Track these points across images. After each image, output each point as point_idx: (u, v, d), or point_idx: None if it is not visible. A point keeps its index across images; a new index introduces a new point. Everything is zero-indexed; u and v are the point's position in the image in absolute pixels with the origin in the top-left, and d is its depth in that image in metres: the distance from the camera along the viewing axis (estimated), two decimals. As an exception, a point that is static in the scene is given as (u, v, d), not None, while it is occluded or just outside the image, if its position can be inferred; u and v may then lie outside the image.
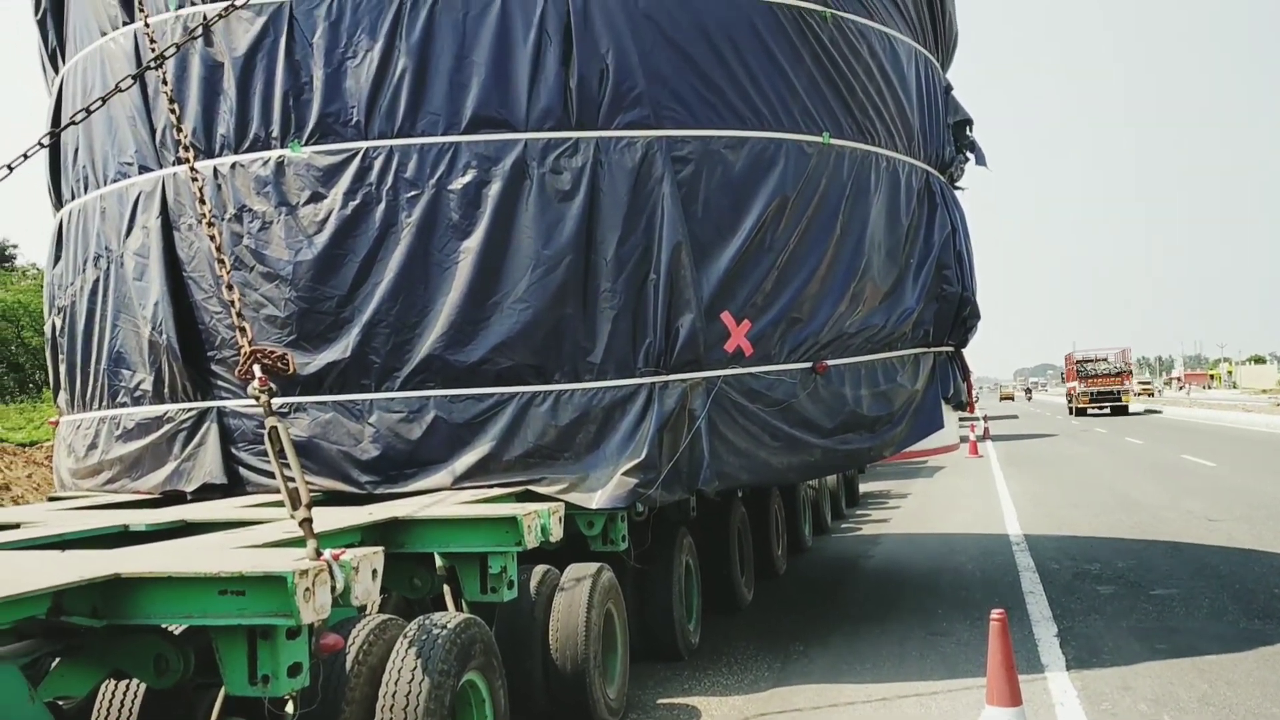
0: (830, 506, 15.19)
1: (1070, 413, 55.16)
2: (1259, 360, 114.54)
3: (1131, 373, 56.98)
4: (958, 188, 9.18)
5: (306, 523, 3.66)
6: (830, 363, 7.15)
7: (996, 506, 16.24)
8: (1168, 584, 9.55)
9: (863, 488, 19.29)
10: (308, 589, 3.38)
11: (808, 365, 7.05)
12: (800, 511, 12.71)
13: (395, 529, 5.13)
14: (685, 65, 6.76)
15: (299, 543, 3.81)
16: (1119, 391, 52.70)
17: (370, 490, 6.39)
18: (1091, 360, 54.32)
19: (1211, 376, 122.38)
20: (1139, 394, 64.54)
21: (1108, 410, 52.43)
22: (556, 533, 5.46)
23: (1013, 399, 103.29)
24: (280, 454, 3.84)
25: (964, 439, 26.19)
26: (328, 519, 4.78)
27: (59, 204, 8.06)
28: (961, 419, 11.08)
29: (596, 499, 6.26)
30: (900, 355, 7.82)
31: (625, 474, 6.29)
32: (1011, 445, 32.26)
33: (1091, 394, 53.13)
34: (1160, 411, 55.97)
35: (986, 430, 35.82)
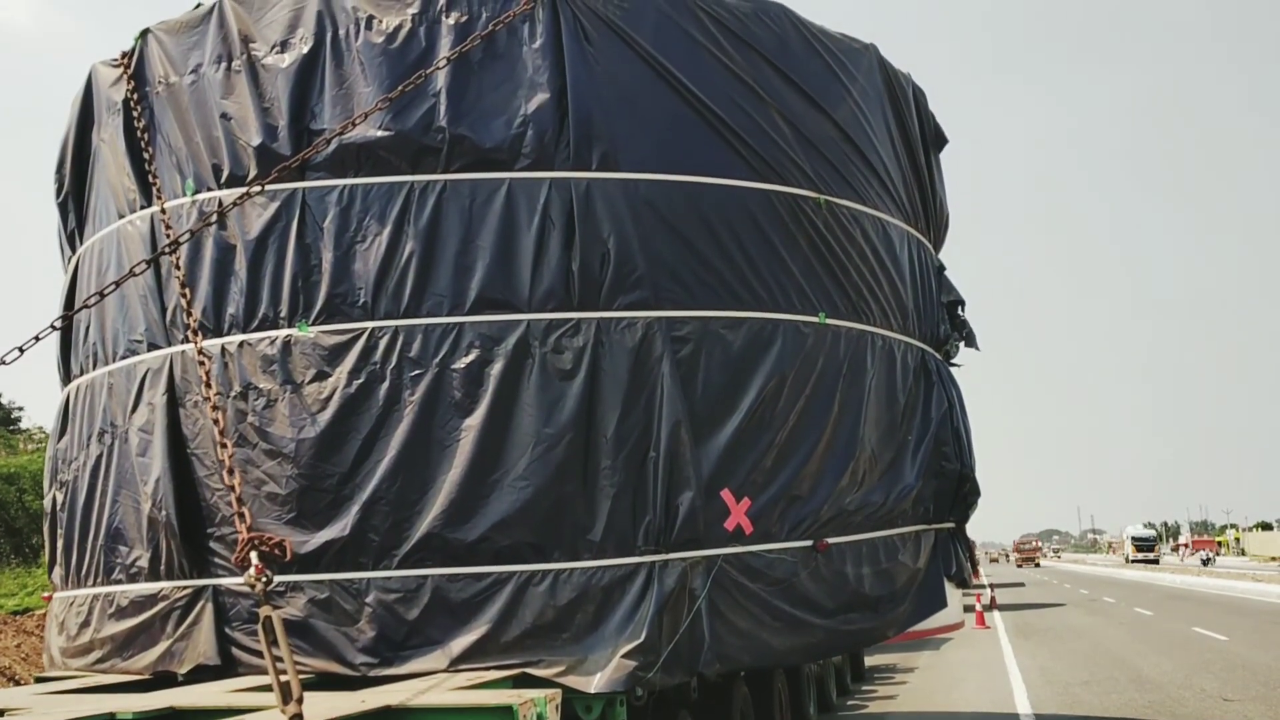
0: (835, 683, 14.79)
1: (1016, 565, 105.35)
2: (1266, 526, 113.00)
3: (1039, 547, 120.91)
4: (954, 365, 9.31)
5: (297, 718, 3.60)
6: (831, 540, 7.12)
7: (1006, 682, 15.84)
8: (1184, 769, 9.33)
9: (869, 660, 18.83)
10: (296, 789, 3.31)
11: (808, 543, 7.02)
12: (805, 690, 12.34)
13: (387, 717, 5.02)
14: (685, 249, 6.95)
15: (289, 736, 3.73)
16: (1035, 556, 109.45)
17: (365, 672, 6.27)
18: (1023, 541, 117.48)
19: (1219, 543, 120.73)
20: (1048, 557, 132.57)
21: (1032, 565, 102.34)
22: (553, 720, 5.34)
23: (997, 561, 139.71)
24: (273, 642, 3.81)
25: (969, 608, 25.70)
26: (319, 706, 4.68)
27: (67, 379, 8.17)
28: (965, 592, 10.96)
29: (595, 682, 6.13)
30: (901, 533, 7.79)
31: (624, 656, 6.18)
32: (1019, 615, 31.66)
33: (1023, 558, 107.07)
34: (1054, 565, 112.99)
35: (993, 600, 35.19)
